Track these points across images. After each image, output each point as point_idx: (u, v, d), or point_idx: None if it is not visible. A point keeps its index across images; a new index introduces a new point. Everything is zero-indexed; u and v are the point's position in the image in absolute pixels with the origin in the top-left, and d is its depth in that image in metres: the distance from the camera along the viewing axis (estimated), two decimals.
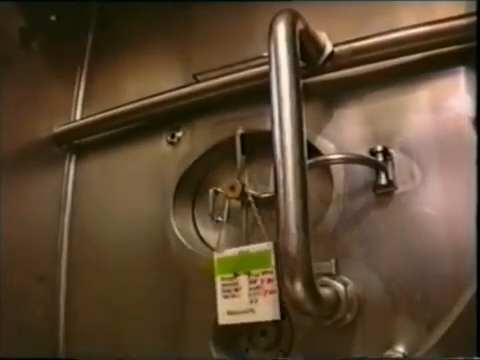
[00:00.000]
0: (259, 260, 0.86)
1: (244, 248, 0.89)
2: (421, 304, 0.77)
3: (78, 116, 1.28)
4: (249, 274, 0.86)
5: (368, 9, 0.93)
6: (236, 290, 0.87)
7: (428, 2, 0.88)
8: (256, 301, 0.84)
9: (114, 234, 1.13)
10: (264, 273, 0.85)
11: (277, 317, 0.82)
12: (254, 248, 0.87)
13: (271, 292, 0.83)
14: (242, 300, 0.86)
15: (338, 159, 0.88)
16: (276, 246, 0.83)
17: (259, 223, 0.90)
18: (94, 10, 1.36)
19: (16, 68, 1.14)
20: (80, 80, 1.31)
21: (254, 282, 0.85)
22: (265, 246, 0.86)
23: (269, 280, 0.84)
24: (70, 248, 1.18)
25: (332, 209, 0.88)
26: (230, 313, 0.87)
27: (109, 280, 1.10)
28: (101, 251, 1.13)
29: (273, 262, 0.84)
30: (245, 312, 0.85)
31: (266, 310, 0.83)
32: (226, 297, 0.88)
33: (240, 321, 0.86)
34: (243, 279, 0.87)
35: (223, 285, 0.89)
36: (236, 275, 0.88)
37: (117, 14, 1.30)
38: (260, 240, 0.87)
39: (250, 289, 0.86)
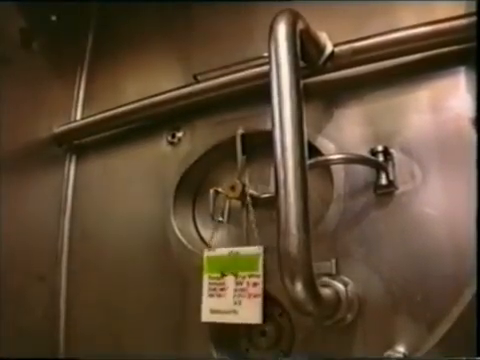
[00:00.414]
0: (247, 263, 0.86)
1: (234, 249, 0.89)
2: (421, 304, 0.77)
3: (78, 116, 1.28)
4: (236, 275, 0.87)
5: (368, 9, 0.93)
6: (222, 290, 0.88)
7: (428, 2, 0.88)
8: (240, 303, 0.85)
9: (114, 234, 1.13)
10: (251, 276, 0.85)
11: (258, 321, 0.83)
12: (244, 250, 0.88)
13: (255, 296, 0.84)
14: (227, 300, 0.87)
15: (338, 159, 0.88)
16: (266, 251, 0.86)
17: (253, 227, 0.91)
18: (94, 10, 1.36)
19: (16, 68, 1.14)
20: (80, 80, 1.31)
21: (240, 284, 0.86)
22: (255, 250, 0.86)
23: (255, 284, 0.85)
24: (70, 248, 1.18)
25: (332, 209, 0.88)
26: (213, 312, 0.88)
27: (109, 280, 1.10)
28: (101, 251, 1.13)
29: (261, 266, 0.85)
30: (228, 312, 0.86)
31: (248, 313, 0.84)
32: (211, 295, 0.89)
33: (222, 321, 0.87)
34: (230, 280, 0.87)
35: (210, 284, 0.89)
36: (223, 275, 0.88)
37: (117, 14, 1.30)
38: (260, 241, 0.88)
39: (235, 290, 0.86)
